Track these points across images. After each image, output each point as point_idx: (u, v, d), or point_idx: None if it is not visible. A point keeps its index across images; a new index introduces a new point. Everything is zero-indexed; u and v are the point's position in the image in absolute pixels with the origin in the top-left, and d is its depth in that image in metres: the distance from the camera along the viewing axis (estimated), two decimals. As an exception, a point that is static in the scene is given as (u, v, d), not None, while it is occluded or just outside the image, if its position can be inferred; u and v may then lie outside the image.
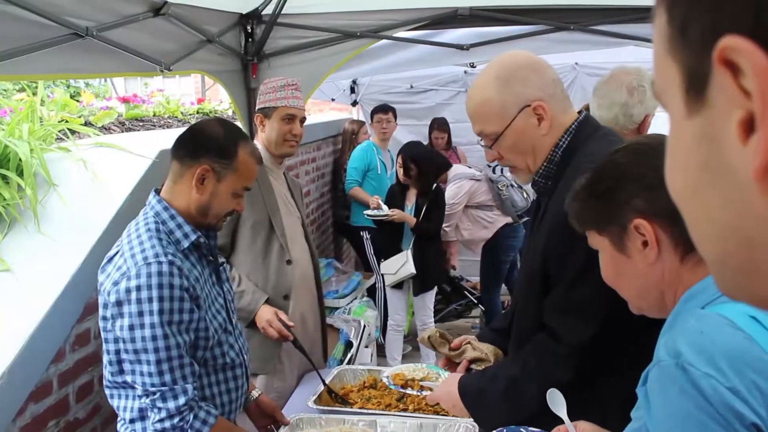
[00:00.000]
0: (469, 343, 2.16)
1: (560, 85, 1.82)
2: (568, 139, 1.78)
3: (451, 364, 2.22)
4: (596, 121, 1.88)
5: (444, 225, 5.14)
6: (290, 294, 2.90)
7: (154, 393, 1.84)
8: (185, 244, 1.94)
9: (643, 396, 1.04)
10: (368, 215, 5.03)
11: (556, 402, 1.64)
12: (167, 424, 1.85)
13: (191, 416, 1.87)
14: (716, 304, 1.04)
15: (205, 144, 1.98)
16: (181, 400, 1.85)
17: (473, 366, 2.14)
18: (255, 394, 2.34)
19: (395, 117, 5.88)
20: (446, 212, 5.14)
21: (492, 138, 1.79)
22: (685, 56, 0.41)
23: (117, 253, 1.93)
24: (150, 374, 1.83)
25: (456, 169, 5.55)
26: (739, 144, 0.38)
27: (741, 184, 0.39)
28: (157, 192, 2.02)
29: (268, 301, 2.78)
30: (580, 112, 1.85)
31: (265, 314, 2.70)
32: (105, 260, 1.97)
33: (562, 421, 1.59)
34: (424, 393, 2.29)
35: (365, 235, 5.58)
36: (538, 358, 1.80)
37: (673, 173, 0.46)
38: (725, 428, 0.90)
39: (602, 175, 1.22)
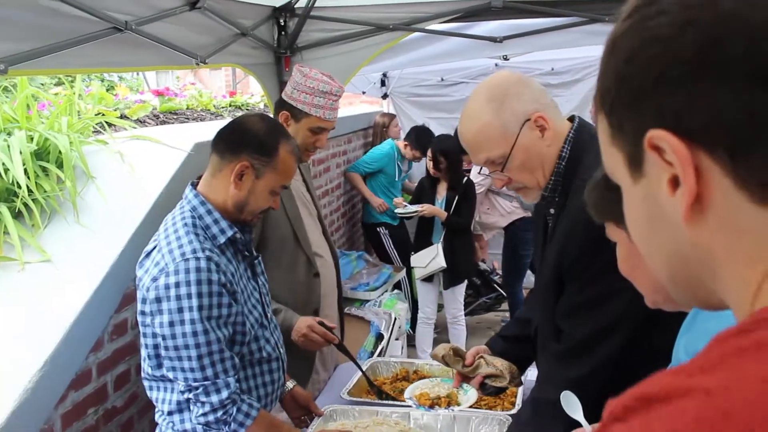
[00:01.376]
0: (482, 357, 2.14)
1: (547, 95, 1.81)
2: (569, 148, 1.76)
3: (465, 379, 2.20)
4: (591, 126, 1.83)
5: None
6: (319, 307, 2.75)
7: (197, 388, 1.86)
8: (221, 239, 1.95)
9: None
10: (399, 213, 5.05)
11: (572, 405, 1.62)
12: (211, 417, 1.87)
13: (234, 409, 1.89)
14: None
15: (245, 139, 1.97)
16: (224, 394, 1.87)
17: (487, 381, 2.13)
18: (290, 385, 2.36)
19: None
20: None
21: (500, 162, 1.75)
22: (624, 145, 0.60)
23: (155, 247, 1.94)
24: (192, 369, 1.84)
25: None
26: (669, 196, 0.56)
27: (674, 222, 0.57)
28: (194, 185, 2.03)
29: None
30: (571, 119, 1.83)
31: (304, 321, 2.49)
32: (143, 255, 1.98)
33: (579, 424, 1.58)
34: (453, 409, 2.31)
35: (381, 230, 5.60)
36: (548, 365, 1.80)
37: (631, 225, 0.65)
38: None
39: None
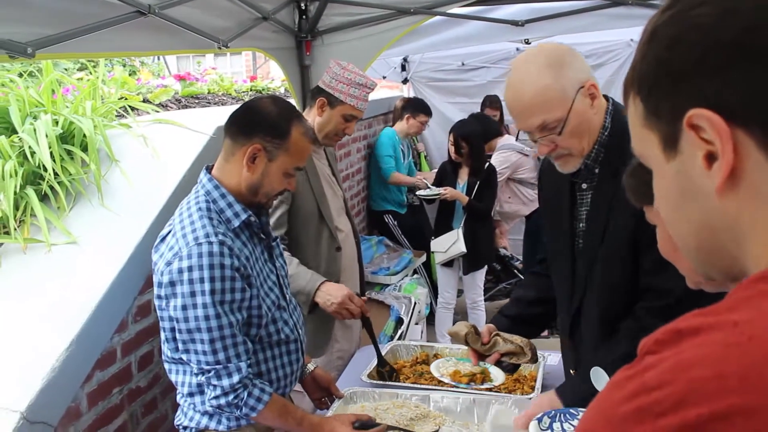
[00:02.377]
0: (498, 335, 2.18)
1: None
2: (610, 120, 1.86)
3: (481, 357, 2.25)
4: (618, 103, 1.92)
5: None
6: (339, 279, 2.90)
7: (208, 371, 1.88)
8: (236, 223, 1.95)
9: None
10: (420, 195, 5.03)
11: (601, 380, 1.62)
12: (222, 401, 1.90)
13: (245, 393, 1.90)
14: None
15: (257, 122, 1.96)
16: (235, 378, 1.88)
17: (504, 359, 2.17)
18: (311, 367, 2.38)
19: None
20: None
21: (555, 126, 1.79)
22: (660, 126, 0.65)
23: (169, 232, 1.95)
24: (204, 353, 1.86)
25: (506, 139, 5.53)
26: (704, 171, 0.61)
27: (706, 195, 0.63)
28: (208, 170, 2.02)
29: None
30: (605, 97, 1.91)
31: (339, 291, 2.62)
32: (158, 239, 1.99)
33: None
34: (486, 384, 2.32)
35: (388, 219, 5.59)
36: (646, 321, 1.80)
37: (661, 201, 0.71)
38: None
39: None
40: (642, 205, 1.29)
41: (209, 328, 1.84)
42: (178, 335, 1.90)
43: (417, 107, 5.72)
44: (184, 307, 1.84)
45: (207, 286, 1.82)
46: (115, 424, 2.51)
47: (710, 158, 0.61)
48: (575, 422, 1.83)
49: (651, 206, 1.25)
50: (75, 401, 2.28)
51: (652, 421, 0.51)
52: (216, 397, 1.90)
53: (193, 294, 1.83)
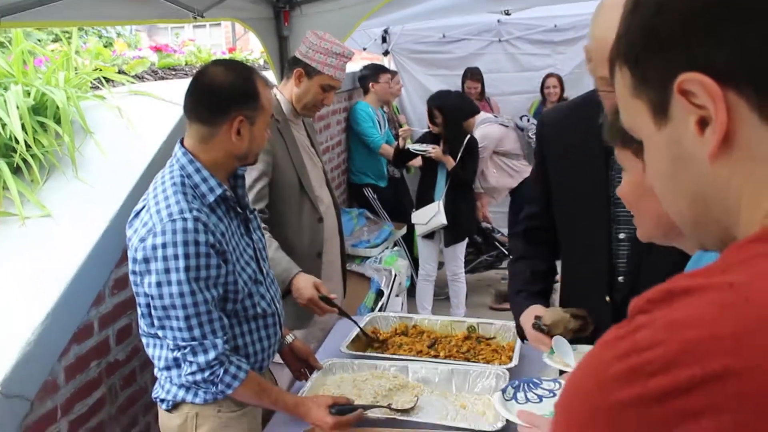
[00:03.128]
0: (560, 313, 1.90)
1: None
2: None
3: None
4: None
5: None
6: (322, 250, 2.91)
7: (184, 347, 1.87)
8: (210, 198, 1.93)
9: None
10: (412, 148, 4.95)
11: (564, 350, 1.61)
12: (198, 377, 1.89)
13: (221, 370, 1.90)
14: None
15: (229, 96, 1.92)
16: (211, 355, 1.88)
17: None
18: (289, 338, 2.38)
19: None
20: None
21: None
22: (649, 94, 0.64)
23: (143, 207, 1.93)
24: (180, 329, 1.86)
25: (483, 116, 5.51)
26: (696, 137, 0.60)
27: (699, 162, 0.61)
28: (183, 143, 1.99)
29: (302, 263, 2.66)
30: None
31: (306, 291, 2.52)
32: (132, 214, 1.96)
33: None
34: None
35: (368, 192, 5.58)
36: None
37: (652, 173, 0.70)
38: None
39: None
40: (623, 146, 1.26)
41: (184, 305, 1.83)
42: (153, 312, 1.89)
43: (374, 71, 5.65)
44: (159, 284, 1.82)
45: (182, 263, 1.80)
46: (93, 397, 2.50)
47: (702, 123, 0.60)
48: (539, 390, 1.84)
49: (630, 151, 1.23)
50: (52, 375, 2.27)
51: (644, 381, 0.51)
52: (192, 373, 1.90)
53: (167, 271, 1.81)
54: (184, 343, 1.87)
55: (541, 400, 1.80)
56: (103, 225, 2.53)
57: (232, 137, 1.92)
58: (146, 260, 1.83)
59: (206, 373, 1.89)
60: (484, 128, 5.48)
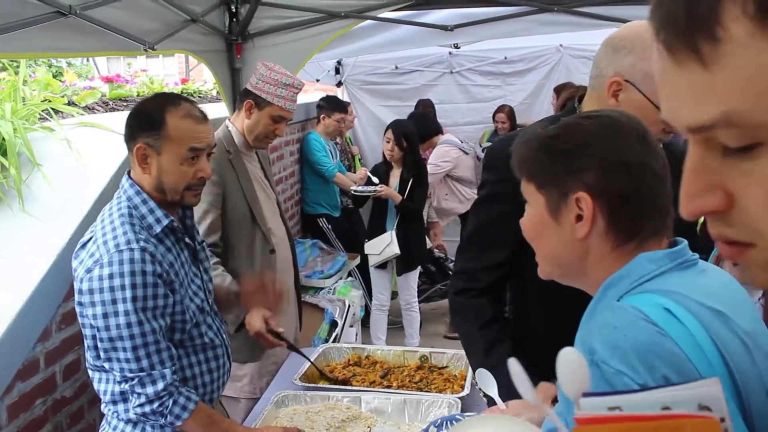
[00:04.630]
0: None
1: None
2: None
3: None
4: None
5: None
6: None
7: (132, 379, 1.85)
8: (157, 229, 1.92)
9: (561, 390, 1.03)
10: (355, 191, 5.02)
11: (487, 382, 1.61)
12: (147, 408, 1.87)
13: (170, 402, 1.88)
14: (633, 294, 1.04)
15: (134, 122, 1.94)
16: (160, 386, 1.86)
17: None
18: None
19: None
20: (429, 173, 5.23)
21: None
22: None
23: (90, 239, 1.91)
24: (127, 360, 1.83)
25: (447, 136, 5.59)
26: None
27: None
28: (130, 175, 1.99)
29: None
30: None
31: (255, 324, 2.51)
32: (78, 245, 1.95)
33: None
34: None
35: (322, 222, 5.59)
36: None
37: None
38: None
39: (565, 135, 1.15)
40: (526, 179, 1.20)
41: (132, 335, 1.81)
42: (99, 344, 1.86)
43: (330, 106, 5.67)
44: (105, 315, 1.80)
45: (128, 293, 1.79)
46: (38, 436, 2.44)
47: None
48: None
49: (533, 185, 1.18)
50: (-6, 414, 2.21)
51: None
52: (140, 405, 1.87)
53: (114, 302, 1.80)
54: (131, 374, 1.85)
55: None
56: (50, 259, 2.49)
57: (138, 164, 1.92)
58: (91, 291, 1.81)
59: (155, 405, 1.87)
60: (445, 148, 5.54)
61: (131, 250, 1.81)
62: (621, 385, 0.92)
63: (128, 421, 1.95)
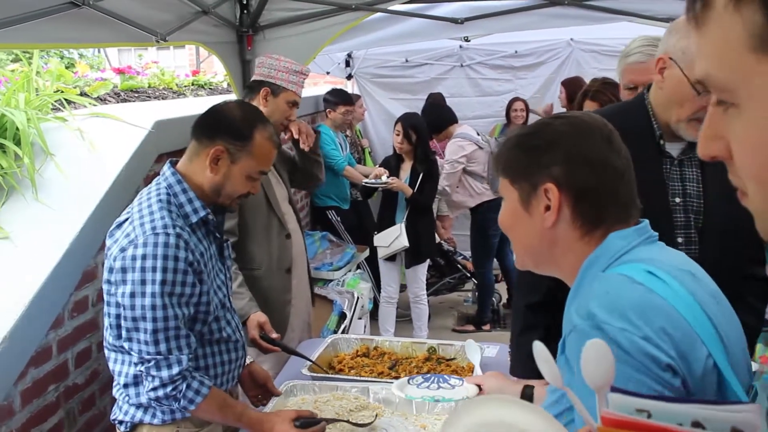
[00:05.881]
0: None
1: None
2: None
3: None
4: None
5: (444, 184, 5.28)
6: (291, 267, 2.99)
7: (149, 361, 1.87)
8: (194, 219, 1.97)
9: (563, 364, 1.08)
10: (367, 183, 5.01)
11: (473, 353, 1.65)
12: (160, 392, 1.89)
13: (184, 386, 1.90)
14: (615, 266, 1.15)
15: (221, 125, 2.01)
16: (175, 370, 1.88)
17: None
18: (247, 360, 2.37)
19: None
20: (447, 171, 5.28)
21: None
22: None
23: (126, 219, 1.95)
24: (146, 342, 1.86)
25: (464, 128, 5.58)
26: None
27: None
28: (173, 164, 2.04)
29: (272, 278, 2.85)
30: None
31: (249, 330, 2.56)
32: (114, 225, 1.99)
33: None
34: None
35: (332, 215, 5.60)
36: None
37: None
38: (646, 374, 1.00)
39: (537, 133, 1.27)
40: (504, 176, 1.30)
41: (154, 318, 1.84)
42: (123, 322, 1.89)
43: (335, 99, 5.64)
44: (132, 295, 1.84)
45: (158, 276, 1.83)
46: (50, 422, 2.47)
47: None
48: (444, 384, 2.16)
49: (508, 181, 1.28)
50: (7, 399, 2.24)
51: None
52: (154, 389, 1.89)
53: (143, 282, 1.83)
54: (149, 357, 1.87)
55: (438, 388, 2.15)
56: (63, 247, 2.52)
57: (207, 162, 1.97)
58: (124, 270, 1.85)
59: (169, 388, 1.89)
60: (460, 143, 5.51)
61: (167, 234, 1.85)
62: (625, 341, 1.00)
63: (139, 405, 1.98)
